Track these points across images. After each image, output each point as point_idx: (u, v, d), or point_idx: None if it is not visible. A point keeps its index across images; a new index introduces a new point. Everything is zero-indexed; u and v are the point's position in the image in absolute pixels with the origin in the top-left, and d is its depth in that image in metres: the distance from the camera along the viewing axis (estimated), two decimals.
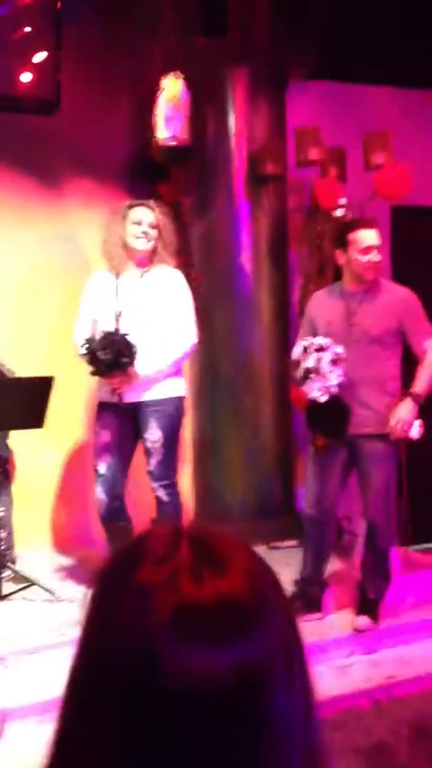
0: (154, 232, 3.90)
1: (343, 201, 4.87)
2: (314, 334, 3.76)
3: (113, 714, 0.69)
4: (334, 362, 3.56)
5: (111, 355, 3.64)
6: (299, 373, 3.64)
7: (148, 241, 3.89)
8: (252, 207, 4.97)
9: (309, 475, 3.90)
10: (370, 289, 3.77)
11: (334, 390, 3.58)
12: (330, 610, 3.91)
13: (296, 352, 3.67)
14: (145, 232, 3.88)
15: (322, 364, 3.56)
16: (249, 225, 4.97)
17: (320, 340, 3.62)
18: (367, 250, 3.69)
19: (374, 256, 3.71)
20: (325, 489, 3.82)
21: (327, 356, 3.56)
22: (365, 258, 3.70)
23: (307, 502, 3.91)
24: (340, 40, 4.98)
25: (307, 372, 3.59)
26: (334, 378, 3.55)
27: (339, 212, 4.86)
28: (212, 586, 0.70)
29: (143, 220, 3.89)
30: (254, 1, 5.00)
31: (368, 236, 3.71)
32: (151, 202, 4.00)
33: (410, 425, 3.67)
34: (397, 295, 3.80)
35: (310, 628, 3.64)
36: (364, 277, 3.74)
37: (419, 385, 3.71)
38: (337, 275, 4.07)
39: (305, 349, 3.62)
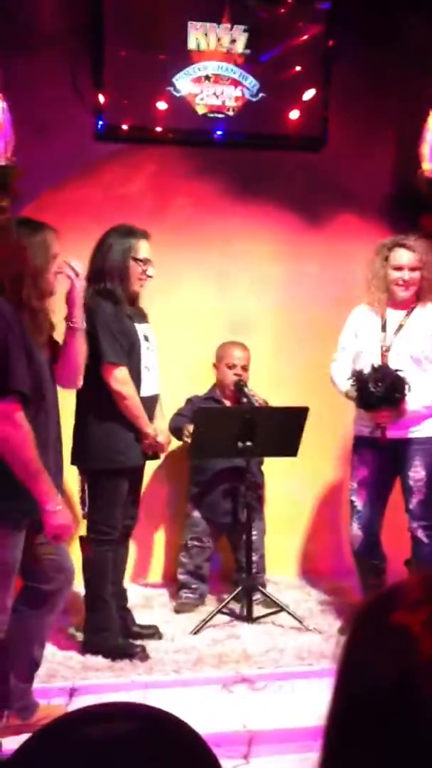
0: (416, 275, 3.83)
1: None
2: None
3: (372, 754, 0.70)
4: None
5: (383, 389, 3.62)
6: None
7: (408, 287, 3.83)
8: None
9: None
10: None
11: None
12: None
13: None
14: (405, 280, 3.82)
15: None
16: None
17: None
18: None
19: None
20: None
21: None
22: None
23: None
24: None
25: None
26: None
27: None
28: None
29: (403, 264, 3.83)
30: None
31: None
32: (412, 241, 3.88)
33: None
34: None
35: None
36: None
37: None
38: None
39: None
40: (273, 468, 4.62)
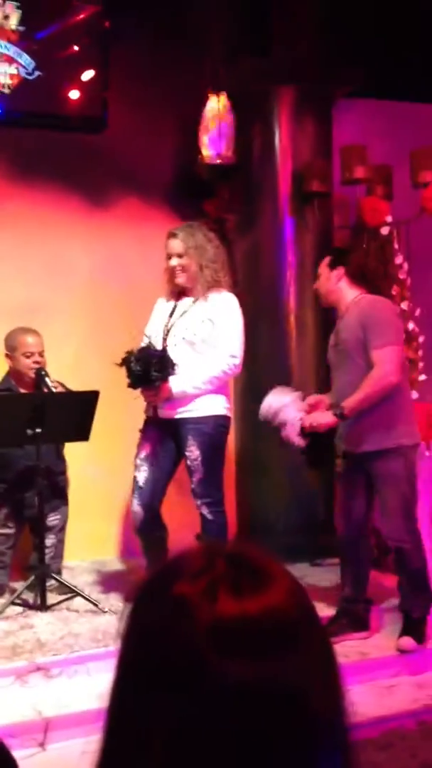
0: (183, 261, 3.89)
1: (388, 219, 4.87)
2: None
3: (158, 722, 0.71)
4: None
5: (140, 368, 3.69)
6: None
7: (180, 272, 3.90)
8: (297, 224, 4.98)
9: (337, 496, 3.90)
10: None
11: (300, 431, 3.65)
12: (376, 629, 3.86)
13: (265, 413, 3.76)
14: (173, 267, 3.90)
15: (287, 419, 3.67)
16: (294, 242, 4.98)
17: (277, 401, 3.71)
18: None
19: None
20: (352, 508, 3.79)
21: (289, 410, 3.65)
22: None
23: (337, 522, 3.91)
24: (387, 57, 5.00)
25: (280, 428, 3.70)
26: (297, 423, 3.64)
27: (384, 230, 4.86)
28: (254, 599, 0.72)
29: (171, 252, 3.91)
30: (300, 20, 5.04)
31: None
32: (179, 228, 3.98)
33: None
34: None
35: (355, 647, 3.61)
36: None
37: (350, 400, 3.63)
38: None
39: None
40: (67, 453, 4.58)
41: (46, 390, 4.14)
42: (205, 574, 0.74)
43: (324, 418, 3.59)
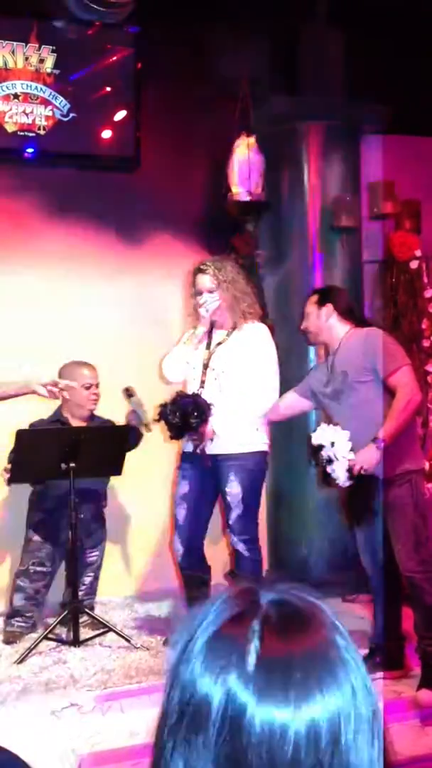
0: (213, 296, 3.91)
1: (417, 253, 4.89)
2: None
3: (202, 761, 0.72)
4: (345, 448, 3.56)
5: (179, 418, 3.71)
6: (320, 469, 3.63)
7: (208, 308, 3.91)
8: (326, 259, 5.02)
9: (358, 532, 3.80)
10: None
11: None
12: (411, 666, 3.77)
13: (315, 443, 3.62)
14: (203, 303, 3.90)
15: (336, 455, 3.53)
16: (323, 277, 5.01)
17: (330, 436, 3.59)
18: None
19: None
20: (375, 544, 3.70)
21: (340, 448, 3.54)
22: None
23: (363, 558, 3.83)
24: (414, 93, 5.05)
25: (327, 476, 3.58)
26: (346, 462, 3.52)
27: (413, 264, 4.88)
28: (296, 641, 0.74)
29: (201, 289, 3.92)
30: (328, 59, 5.11)
31: None
32: (207, 264, 3.97)
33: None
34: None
35: (389, 686, 3.55)
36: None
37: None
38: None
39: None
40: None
41: (137, 410, 4.25)
42: (251, 615, 0.76)
43: (370, 455, 3.48)
